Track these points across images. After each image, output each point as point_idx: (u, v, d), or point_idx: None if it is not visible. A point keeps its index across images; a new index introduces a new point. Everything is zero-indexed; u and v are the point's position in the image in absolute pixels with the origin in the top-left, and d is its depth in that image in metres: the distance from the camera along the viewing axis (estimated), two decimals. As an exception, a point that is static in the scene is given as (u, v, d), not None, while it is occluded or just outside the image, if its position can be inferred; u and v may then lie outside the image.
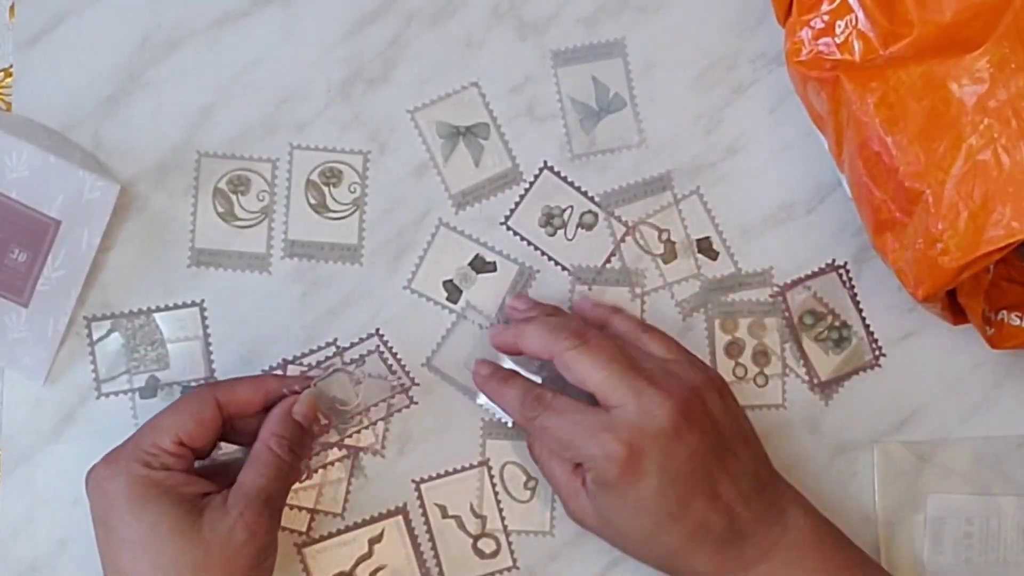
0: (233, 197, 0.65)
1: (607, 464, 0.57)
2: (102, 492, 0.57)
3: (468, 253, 0.66)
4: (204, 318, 0.64)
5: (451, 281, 0.66)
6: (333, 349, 0.64)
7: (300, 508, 0.64)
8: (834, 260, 0.67)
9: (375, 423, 0.64)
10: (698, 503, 0.57)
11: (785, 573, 0.58)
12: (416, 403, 0.64)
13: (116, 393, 0.64)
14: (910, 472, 0.65)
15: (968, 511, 0.64)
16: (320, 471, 0.64)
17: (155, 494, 0.56)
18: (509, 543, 0.65)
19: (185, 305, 0.64)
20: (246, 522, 0.56)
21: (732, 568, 0.58)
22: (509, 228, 0.66)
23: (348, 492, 0.64)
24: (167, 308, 0.64)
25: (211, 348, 0.64)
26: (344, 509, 0.64)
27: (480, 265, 0.66)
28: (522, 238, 0.66)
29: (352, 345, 0.64)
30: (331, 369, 0.64)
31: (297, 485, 0.64)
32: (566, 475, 0.61)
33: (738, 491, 0.58)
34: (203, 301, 0.64)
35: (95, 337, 0.64)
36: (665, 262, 0.66)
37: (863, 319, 0.66)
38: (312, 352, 0.64)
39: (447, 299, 0.65)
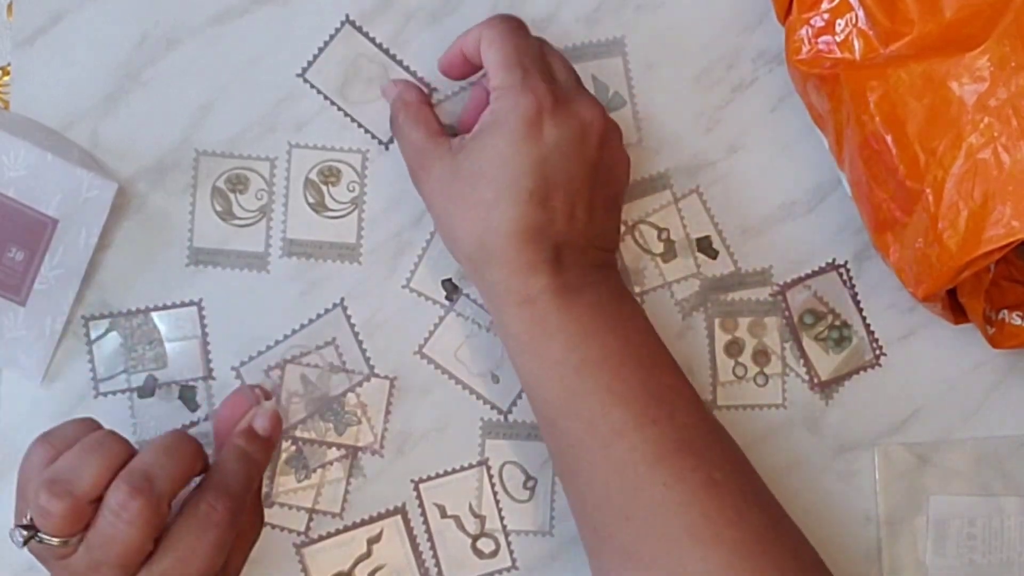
0: (231, 196, 0.65)
1: (516, 107, 0.57)
2: None
3: (467, 252, 0.66)
4: (202, 317, 0.64)
5: (450, 280, 0.65)
6: (332, 348, 0.64)
7: (298, 508, 0.64)
8: (834, 259, 0.66)
9: (368, 417, 0.64)
10: (558, 196, 0.57)
11: (595, 307, 0.58)
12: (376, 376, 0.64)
13: (114, 392, 0.64)
14: (911, 474, 0.65)
15: (970, 512, 0.64)
16: (319, 471, 0.64)
17: None
18: (508, 543, 0.65)
19: (183, 304, 0.64)
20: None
21: (561, 283, 0.57)
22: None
23: (347, 492, 0.64)
24: (165, 307, 0.64)
25: (209, 347, 0.64)
26: (343, 509, 0.64)
27: (479, 264, 0.66)
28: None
29: (310, 321, 0.64)
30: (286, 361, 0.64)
31: (295, 484, 0.64)
32: (432, 135, 0.60)
33: (586, 220, 0.58)
34: (201, 300, 0.64)
35: (93, 336, 0.64)
36: (664, 261, 0.66)
37: (863, 318, 0.66)
38: (311, 352, 0.64)
39: (446, 298, 0.65)
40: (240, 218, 0.65)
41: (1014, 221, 0.53)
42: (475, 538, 0.65)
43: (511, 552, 0.65)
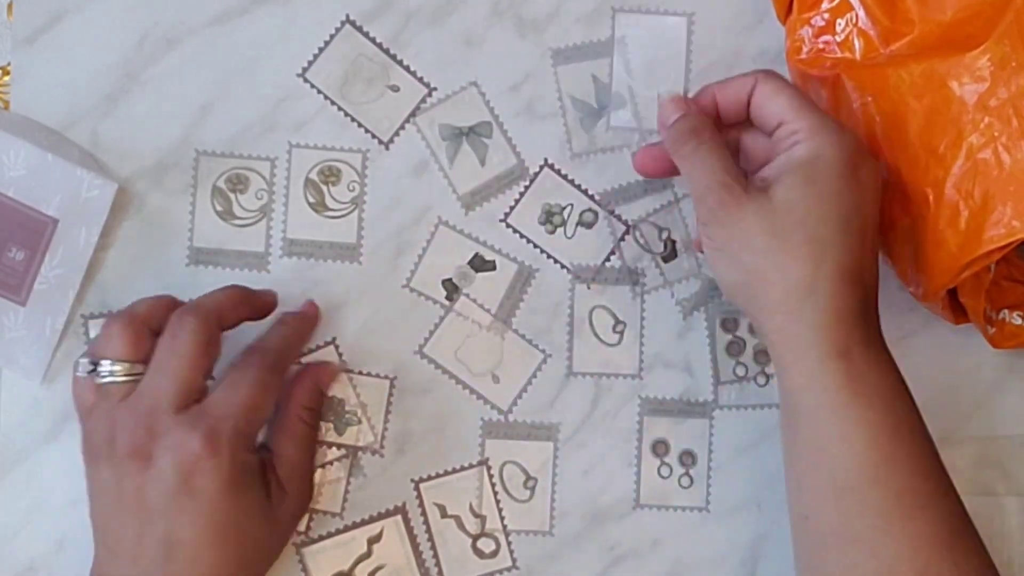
0: (232, 196, 0.65)
1: (840, 145, 0.55)
2: (199, 474, 0.55)
3: (467, 252, 0.66)
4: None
5: (450, 280, 0.65)
6: (332, 348, 0.64)
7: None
8: (835, 259, 0.66)
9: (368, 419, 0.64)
10: (871, 236, 0.55)
11: (894, 368, 0.56)
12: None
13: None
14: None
15: (971, 511, 0.64)
16: (319, 470, 0.64)
17: (250, 480, 0.57)
18: (508, 543, 0.65)
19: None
20: (302, 498, 0.60)
21: (863, 335, 0.55)
22: (508, 225, 0.66)
23: (347, 492, 0.64)
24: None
25: (209, 347, 0.64)
26: (343, 508, 0.64)
27: (479, 263, 0.66)
28: (521, 236, 0.66)
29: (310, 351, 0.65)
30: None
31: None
32: (736, 171, 0.57)
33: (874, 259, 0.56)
34: None
35: (93, 336, 0.64)
36: (665, 261, 0.66)
37: (864, 318, 0.66)
38: (312, 351, 0.64)
39: (446, 298, 0.65)
40: (240, 218, 0.65)
41: (1014, 221, 0.53)
42: (475, 538, 0.65)
43: (511, 552, 0.65)
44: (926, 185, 0.56)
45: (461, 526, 0.65)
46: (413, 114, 0.65)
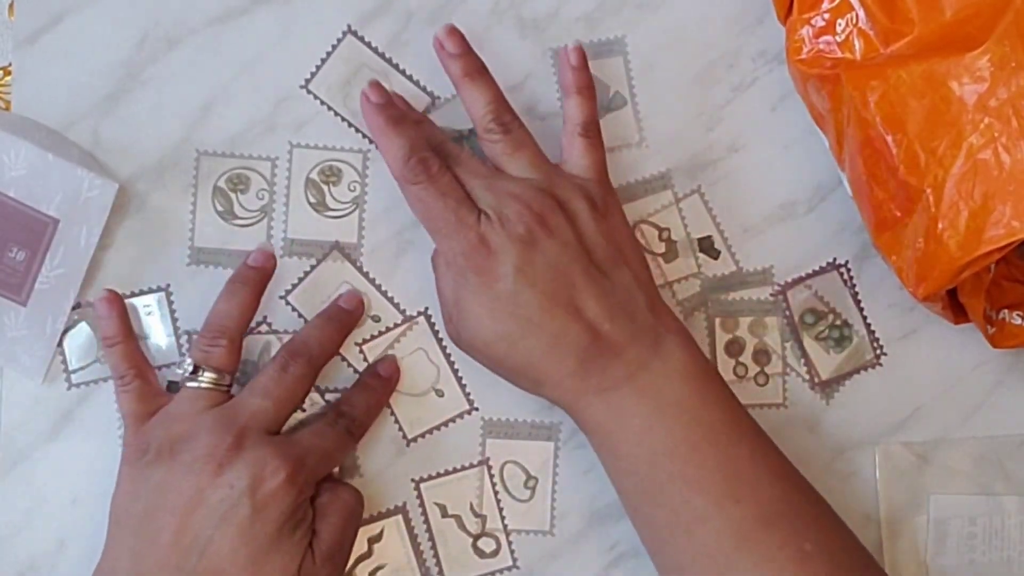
0: (232, 196, 0.65)
1: (462, 260, 0.58)
2: (271, 494, 0.56)
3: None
4: (172, 305, 0.64)
5: (451, 280, 0.65)
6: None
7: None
8: (835, 259, 0.66)
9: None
10: (559, 312, 0.57)
11: (649, 398, 0.57)
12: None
13: (87, 383, 0.64)
14: (911, 473, 0.65)
15: (971, 511, 0.64)
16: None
17: (300, 523, 0.57)
18: (509, 542, 0.65)
19: (151, 291, 0.64)
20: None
21: (595, 385, 0.58)
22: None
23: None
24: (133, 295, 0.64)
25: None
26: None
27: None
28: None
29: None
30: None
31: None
32: (452, 287, 0.60)
33: (605, 310, 0.58)
34: (168, 285, 0.64)
35: (68, 334, 0.64)
36: (666, 261, 0.66)
37: (864, 318, 0.66)
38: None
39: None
40: (241, 218, 0.65)
41: (1014, 221, 0.53)
42: (476, 537, 0.65)
43: (512, 552, 0.65)
44: (926, 185, 0.56)
45: (462, 526, 0.65)
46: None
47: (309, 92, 0.65)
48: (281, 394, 0.59)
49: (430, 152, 0.60)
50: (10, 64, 0.64)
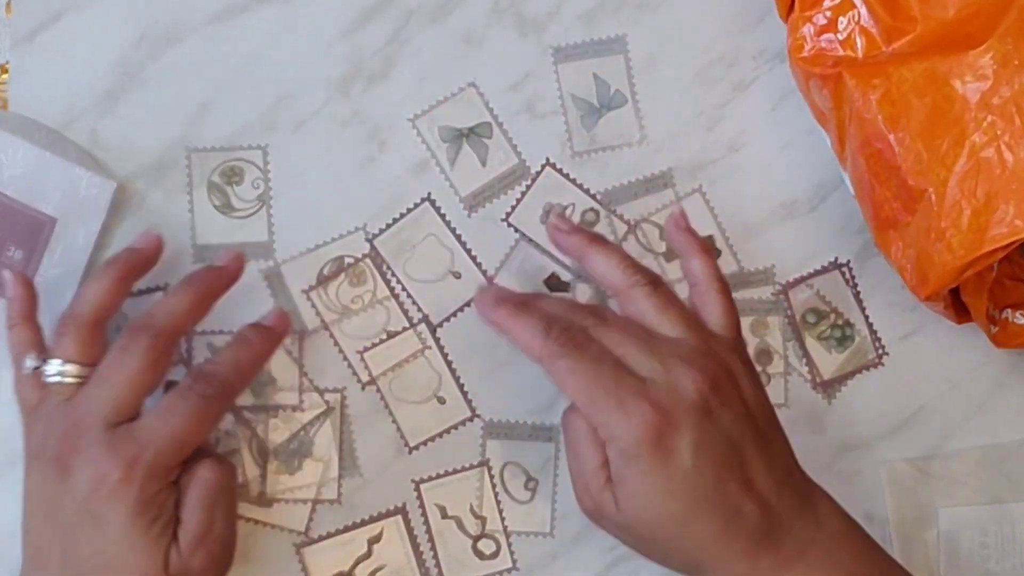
0: (228, 189, 0.65)
1: (635, 435, 0.53)
2: (107, 498, 0.53)
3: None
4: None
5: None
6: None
7: (297, 501, 0.64)
8: (837, 258, 0.66)
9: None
10: (732, 487, 0.53)
11: (822, 573, 0.54)
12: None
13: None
14: (918, 489, 0.65)
15: (981, 521, 0.64)
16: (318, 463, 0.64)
17: (158, 514, 0.54)
18: (509, 544, 0.65)
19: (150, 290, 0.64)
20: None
21: (768, 567, 0.54)
22: (510, 225, 0.65)
23: (340, 484, 0.64)
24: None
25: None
26: (339, 495, 0.64)
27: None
28: (523, 235, 0.65)
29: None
30: None
31: (292, 484, 0.63)
32: (594, 462, 0.55)
33: (773, 480, 0.54)
34: (166, 284, 0.63)
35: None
36: (667, 260, 0.66)
37: (866, 317, 0.66)
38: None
39: (447, 297, 0.65)
40: (240, 210, 0.65)
41: (1017, 220, 0.53)
42: (476, 539, 0.64)
43: (512, 553, 0.65)
44: (928, 184, 0.56)
45: (462, 527, 0.64)
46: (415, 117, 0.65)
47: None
48: (122, 378, 0.54)
49: (568, 321, 0.56)
50: (8, 62, 0.64)
